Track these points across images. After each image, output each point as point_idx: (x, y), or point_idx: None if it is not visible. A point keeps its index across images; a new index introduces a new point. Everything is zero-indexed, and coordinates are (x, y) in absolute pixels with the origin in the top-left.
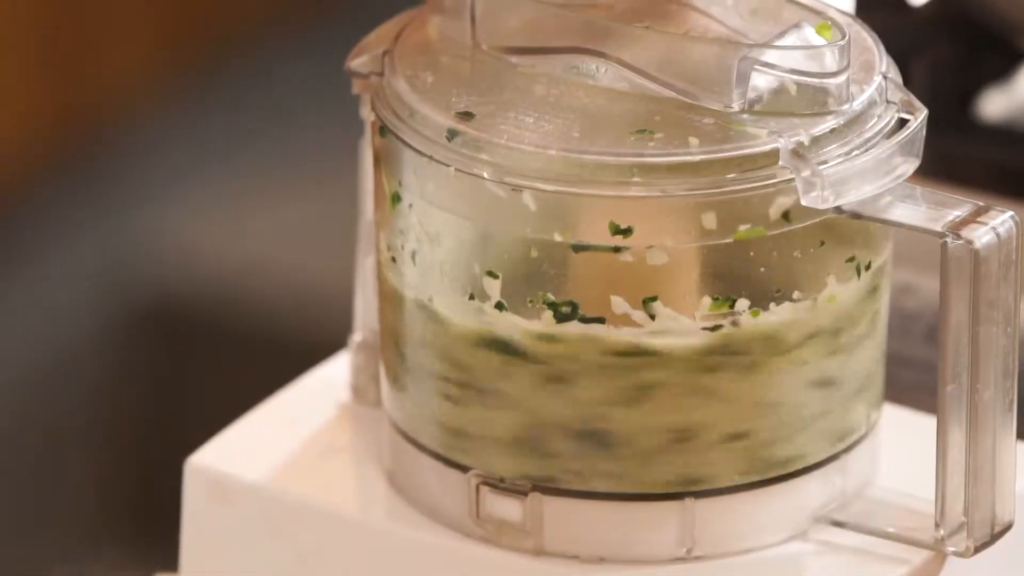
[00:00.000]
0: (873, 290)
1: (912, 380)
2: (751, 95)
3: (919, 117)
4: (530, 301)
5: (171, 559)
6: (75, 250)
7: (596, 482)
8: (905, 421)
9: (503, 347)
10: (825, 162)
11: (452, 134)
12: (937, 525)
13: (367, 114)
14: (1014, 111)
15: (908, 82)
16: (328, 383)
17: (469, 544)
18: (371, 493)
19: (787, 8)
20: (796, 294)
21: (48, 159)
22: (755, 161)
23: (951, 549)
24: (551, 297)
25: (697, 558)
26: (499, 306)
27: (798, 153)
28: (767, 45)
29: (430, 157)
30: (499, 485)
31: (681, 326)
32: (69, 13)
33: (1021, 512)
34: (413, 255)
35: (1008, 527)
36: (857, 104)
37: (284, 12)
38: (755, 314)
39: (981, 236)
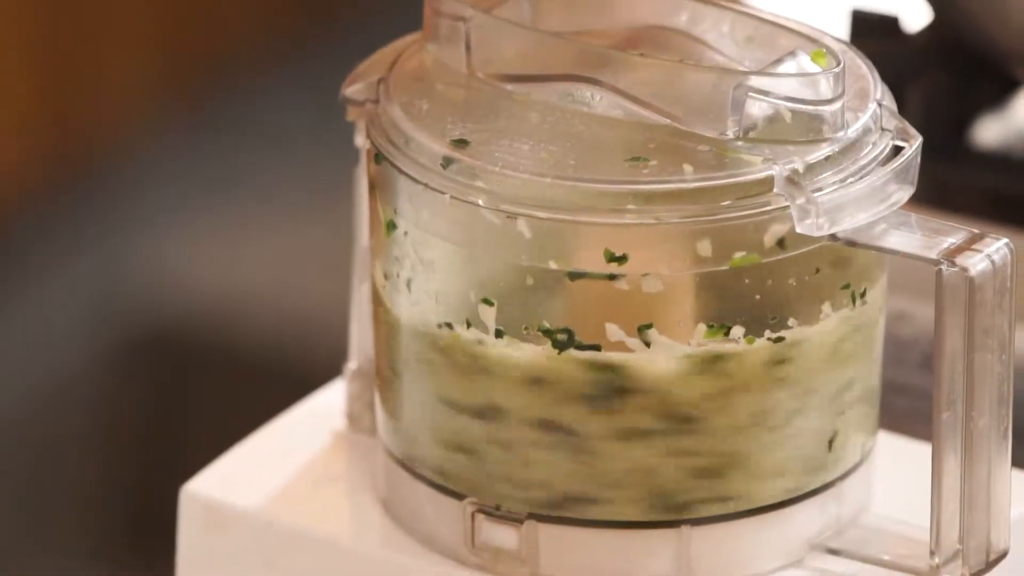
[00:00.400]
0: (868, 317)
1: (907, 408)
2: (746, 122)
3: (914, 144)
4: (525, 329)
5: None
6: (72, 277)
7: (592, 510)
8: (900, 449)
9: (499, 375)
10: (820, 189)
11: (447, 162)
12: (932, 553)
13: (362, 142)
14: (1008, 138)
15: (903, 109)
16: (323, 411)
17: (464, 572)
18: (366, 521)
19: (782, 36)
20: (791, 321)
21: (45, 187)
22: (750, 188)
23: None
24: (546, 325)
25: None
26: (498, 334)
27: (793, 180)
28: (762, 73)
29: (425, 185)
30: (495, 513)
31: (676, 353)
32: (68, 41)
33: (1016, 540)
34: (408, 283)
35: (1003, 555)
36: (852, 131)
37: (280, 40)
38: (750, 341)
39: (976, 263)
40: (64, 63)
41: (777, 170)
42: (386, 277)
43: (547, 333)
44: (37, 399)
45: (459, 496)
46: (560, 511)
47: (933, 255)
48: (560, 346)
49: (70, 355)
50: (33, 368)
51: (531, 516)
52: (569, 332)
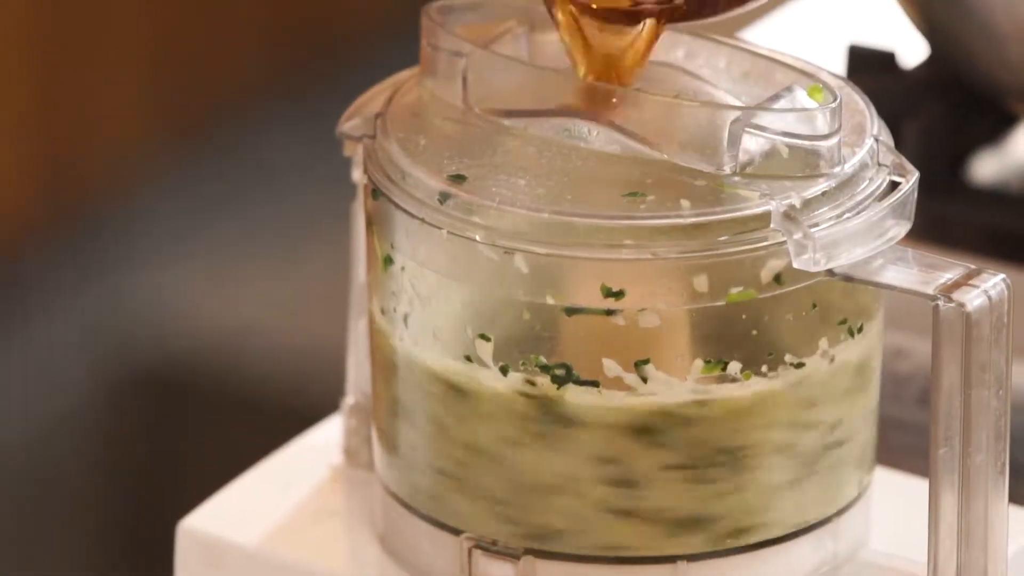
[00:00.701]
0: (865, 353)
1: (905, 443)
2: (742, 158)
3: (911, 180)
4: (523, 364)
5: None
6: (68, 316)
7: (589, 545)
8: (897, 484)
9: (496, 410)
10: (817, 225)
11: (444, 197)
12: None
13: (359, 177)
14: (1005, 174)
15: (899, 144)
16: (321, 446)
17: None
18: (363, 556)
19: (779, 71)
20: (788, 357)
21: (44, 224)
22: (747, 224)
23: None
24: (543, 360)
25: None
26: (497, 369)
27: (790, 216)
28: (759, 108)
29: (422, 220)
30: (491, 548)
31: (673, 389)
32: (64, 80)
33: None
34: (405, 318)
35: None
36: (849, 167)
37: (275, 77)
38: (747, 377)
39: (973, 299)
40: (61, 101)
41: (774, 205)
42: (383, 312)
43: (544, 368)
44: (36, 434)
45: (456, 531)
46: (557, 546)
47: (930, 290)
48: (558, 381)
49: (69, 391)
50: (33, 403)
51: (528, 551)
52: (567, 367)
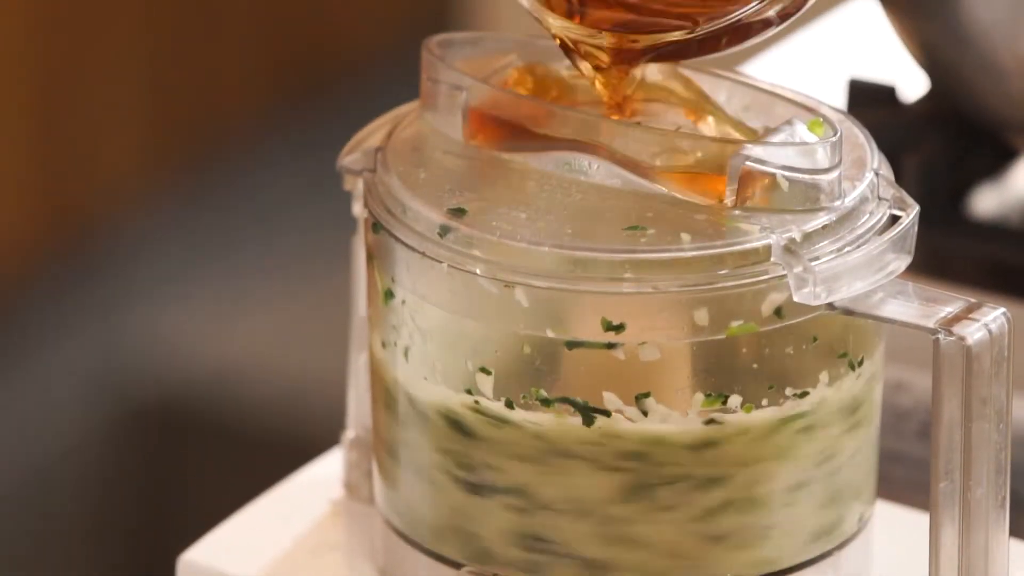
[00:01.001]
0: (866, 386)
1: (905, 477)
2: (743, 191)
3: (911, 214)
4: (523, 397)
5: None
6: (70, 349)
7: None
8: (898, 518)
9: (497, 443)
10: (817, 258)
11: (444, 230)
12: None
13: (359, 211)
14: (1005, 208)
15: (900, 178)
16: (321, 480)
17: None
18: None
19: (779, 105)
20: (788, 390)
21: (42, 260)
22: (747, 257)
23: None
24: (544, 393)
25: None
26: (503, 403)
27: (790, 249)
28: (759, 141)
29: (422, 253)
30: None
31: (673, 422)
32: (62, 116)
33: None
34: (406, 351)
35: None
36: (849, 200)
37: (276, 110)
38: (748, 410)
39: (973, 333)
40: (59, 137)
41: (774, 239)
42: (384, 346)
43: (545, 402)
44: (36, 470)
45: (456, 564)
46: None
47: (930, 324)
48: (561, 414)
49: (69, 426)
50: (32, 439)
51: None
52: (570, 400)
